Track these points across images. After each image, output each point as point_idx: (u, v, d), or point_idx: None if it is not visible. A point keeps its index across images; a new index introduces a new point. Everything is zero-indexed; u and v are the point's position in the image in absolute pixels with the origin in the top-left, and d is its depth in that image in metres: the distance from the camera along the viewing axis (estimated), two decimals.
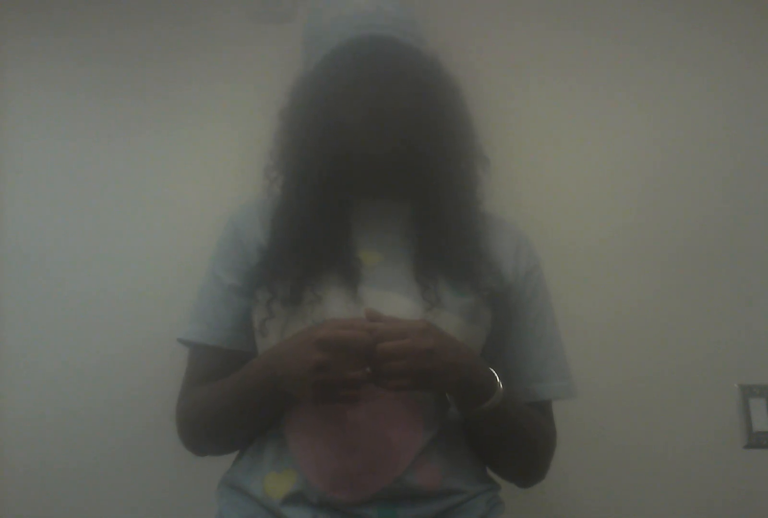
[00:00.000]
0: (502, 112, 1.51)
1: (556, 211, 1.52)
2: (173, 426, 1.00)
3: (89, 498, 1.45)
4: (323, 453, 0.88)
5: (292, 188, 1.01)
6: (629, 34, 1.59)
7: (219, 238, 1.06)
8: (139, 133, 1.61)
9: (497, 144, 1.11)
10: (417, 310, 0.92)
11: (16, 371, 1.51)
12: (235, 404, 0.92)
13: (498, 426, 0.91)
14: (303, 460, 0.89)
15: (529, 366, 1.01)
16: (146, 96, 1.62)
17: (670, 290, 1.48)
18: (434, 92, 1.00)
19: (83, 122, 1.62)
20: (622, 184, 1.54)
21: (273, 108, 1.05)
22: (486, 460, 0.99)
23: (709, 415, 1.43)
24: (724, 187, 1.53)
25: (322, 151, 0.97)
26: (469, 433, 0.96)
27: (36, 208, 1.58)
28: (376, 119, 0.95)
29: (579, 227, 1.51)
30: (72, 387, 1.49)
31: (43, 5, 1.66)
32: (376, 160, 0.98)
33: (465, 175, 1.02)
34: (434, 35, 1.05)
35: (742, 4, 1.59)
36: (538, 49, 1.59)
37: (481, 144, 1.05)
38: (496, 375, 0.89)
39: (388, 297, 0.93)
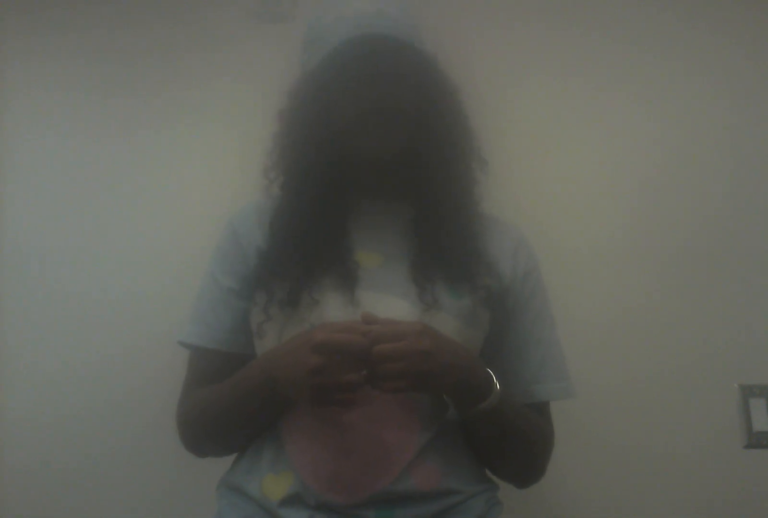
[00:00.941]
0: (501, 113, 1.51)
1: (555, 211, 1.52)
2: (173, 426, 1.01)
3: (89, 498, 1.45)
4: (320, 456, 0.88)
5: (291, 189, 1.01)
6: (628, 33, 1.59)
7: (217, 241, 1.06)
8: (139, 133, 1.61)
9: (496, 145, 1.11)
10: (414, 313, 0.92)
11: (16, 371, 1.51)
12: (233, 406, 0.93)
13: (495, 426, 0.91)
14: (300, 462, 0.89)
15: (527, 367, 1.01)
16: (146, 96, 1.62)
17: (670, 290, 1.48)
18: (434, 93, 1.00)
19: (83, 122, 1.62)
20: (621, 184, 1.54)
21: (273, 108, 1.05)
22: (484, 461, 0.99)
23: (709, 415, 1.43)
24: (724, 187, 1.53)
25: (321, 151, 0.97)
26: (467, 434, 0.95)
27: (36, 208, 1.58)
28: (375, 119, 0.95)
29: (578, 227, 1.51)
30: (72, 387, 1.49)
31: (43, 5, 1.66)
32: (375, 161, 0.98)
33: (463, 176, 1.02)
34: (434, 36, 1.05)
35: (742, 4, 1.58)
36: (537, 49, 1.59)
37: (480, 145, 1.05)
38: (493, 375, 0.89)
39: (385, 299, 0.93)
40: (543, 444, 1.00)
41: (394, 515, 0.87)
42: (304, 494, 0.88)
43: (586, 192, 1.54)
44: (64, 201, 1.59)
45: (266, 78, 1.20)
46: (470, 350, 0.93)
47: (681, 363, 1.45)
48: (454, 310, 0.94)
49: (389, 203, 1.02)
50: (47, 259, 1.55)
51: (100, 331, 1.51)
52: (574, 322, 1.38)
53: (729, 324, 1.47)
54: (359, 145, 0.96)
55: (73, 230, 1.57)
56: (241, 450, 1.00)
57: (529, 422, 0.96)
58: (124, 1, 1.66)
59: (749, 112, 1.56)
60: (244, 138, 1.27)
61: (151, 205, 1.57)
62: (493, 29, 1.60)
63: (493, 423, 0.90)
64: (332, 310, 0.92)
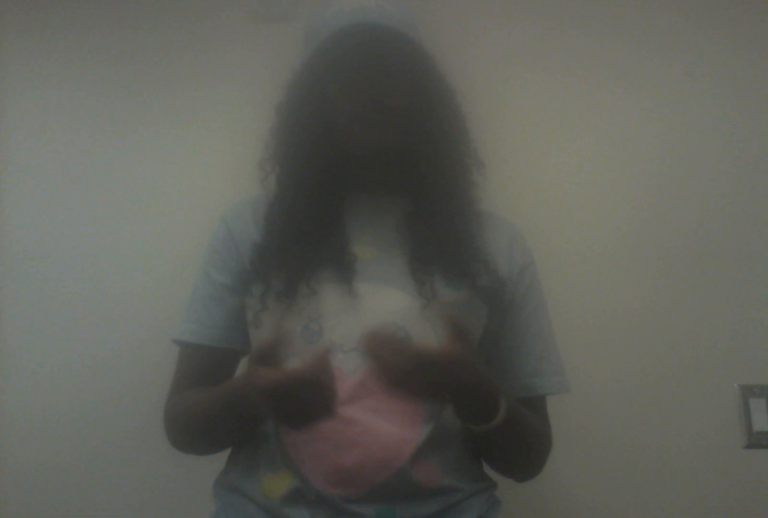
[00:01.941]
0: (499, 111, 1.51)
1: (554, 210, 1.52)
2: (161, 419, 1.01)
3: (86, 496, 1.45)
4: (319, 450, 0.88)
5: (287, 181, 1.01)
6: (628, 32, 1.59)
7: (211, 237, 1.06)
8: (138, 133, 1.60)
9: (495, 143, 1.11)
10: (413, 305, 0.92)
11: (15, 371, 1.51)
12: (215, 414, 0.91)
13: (499, 437, 0.88)
14: (299, 457, 0.89)
15: (526, 360, 1.01)
16: (146, 95, 1.62)
17: (669, 290, 1.48)
18: (430, 85, 1.00)
19: (81, 121, 1.62)
20: (620, 184, 1.53)
21: (271, 106, 1.05)
22: (484, 459, 0.99)
23: (709, 415, 1.43)
24: (723, 187, 1.53)
25: (316, 143, 0.97)
26: (471, 441, 0.95)
27: (34, 208, 1.58)
28: (369, 110, 0.94)
29: (577, 226, 1.51)
30: (71, 387, 1.49)
31: (43, 5, 1.67)
32: (369, 153, 0.98)
33: (459, 169, 1.02)
34: (433, 34, 1.05)
35: (742, 4, 1.58)
36: (536, 47, 1.59)
37: (476, 140, 1.05)
38: (500, 393, 0.85)
39: (383, 291, 0.93)
40: (543, 445, 1.00)
41: (395, 513, 0.87)
42: (303, 489, 0.87)
43: (585, 191, 1.53)
44: (61, 200, 1.58)
45: (266, 78, 1.20)
46: (490, 374, 0.86)
47: (681, 363, 1.45)
48: (451, 302, 0.93)
49: (385, 197, 1.02)
50: (45, 258, 1.55)
51: (97, 330, 1.51)
52: (574, 321, 1.39)
53: (729, 324, 1.46)
54: (353, 136, 0.96)
55: (71, 229, 1.57)
56: (233, 449, 0.99)
57: (532, 428, 0.95)
58: (123, 2, 1.66)
59: (749, 112, 1.56)
60: (243, 138, 1.27)
61: (148, 204, 1.57)
62: (493, 28, 1.60)
63: (497, 435, 0.87)
64: (330, 302, 0.92)
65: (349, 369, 0.89)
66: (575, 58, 1.58)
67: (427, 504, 0.89)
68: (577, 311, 1.43)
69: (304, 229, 0.96)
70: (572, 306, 1.41)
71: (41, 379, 1.50)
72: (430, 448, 0.90)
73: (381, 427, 0.87)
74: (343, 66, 0.95)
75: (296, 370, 0.73)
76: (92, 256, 1.55)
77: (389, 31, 0.95)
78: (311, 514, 0.87)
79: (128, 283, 1.52)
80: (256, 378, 0.74)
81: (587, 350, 1.41)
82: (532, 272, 1.05)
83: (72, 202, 1.58)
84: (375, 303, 0.91)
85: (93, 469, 1.46)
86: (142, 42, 1.64)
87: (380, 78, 0.95)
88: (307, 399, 0.75)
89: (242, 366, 1.03)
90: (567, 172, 1.54)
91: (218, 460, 1.01)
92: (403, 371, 0.74)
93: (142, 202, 1.57)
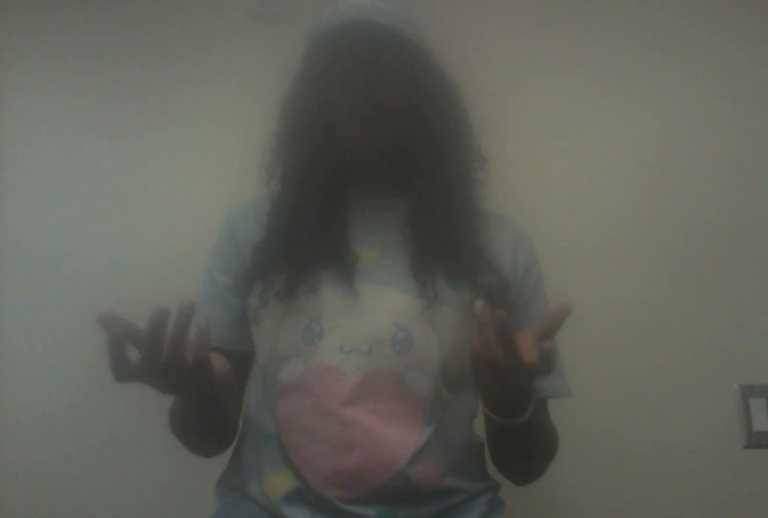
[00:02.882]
0: (502, 110, 1.51)
1: (555, 209, 1.52)
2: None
3: (87, 496, 1.45)
4: (320, 451, 0.88)
5: (290, 182, 1.00)
6: (629, 31, 1.59)
7: (215, 239, 1.06)
8: (139, 133, 1.60)
9: (496, 141, 1.10)
10: (414, 306, 0.92)
11: (15, 371, 1.51)
12: (181, 409, 0.93)
13: (520, 435, 0.88)
14: (299, 458, 0.89)
15: None
16: (146, 95, 1.62)
17: (669, 290, 1.48)
18: (427, 82, 0.99)
19: (82, 121, 1.62)
20: (621, 183, 1.54)
21: (272, 107, 1.05)
22: (493, 456, 0.98)
23: (709, 415, 1.43)
24: (724, 187, 1.53)
25: (316, 143, 0.97)
26: (487, 438, 0.94)
27: (35, 208, 1.58)
28: (366, 107, 0.94)
29: (578, 226, 1.51)
30: (71, 387, 1.49)
31: (43, 5, 1.67)
32: (369, 151, 0.98)
33: (461, 168, 1.02)
34: (433, 31, 1.05)
35: (742, 4, 1.59)
36: (538, 46, 1.59)
37: (477, 138, 1.04)
38: (532, 389, 0.85)
39: (385, 292, 0.93)
40: (552, 448, 1.00)
41: (396, 514, 0.87)
42: (303, 490, 0.87)
43: (586, 190, 1.53)
44: (63, 200, 1.58)
45: (266, 78, 1.20)
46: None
47: (681, 363, 1.45)
48: (455, 304, 0.93)
49: (388, 197, 1.02)
50: (46, 259, 1.55)
51: (97, 330, 1.50)
52: (574, 321, 1.37)
53: (729, 324, 1.47)
54: (352, 135, 0.96)
55: (73, 229, 1.57)
56: (235, 449, 1.00)
57: (549, 429, 0.95)
58: (123, 2, 1.66)
59: (749, 112, 1.56)
60: (244, 138, 1.26)
61: (151, 204, 1.57)
62: (495, 26, 1.60)
63: (519, 431, 0.86)
64: (331, 301, 0.92)
65: (350, 370, 0.89)
66: (576, 59, 1.58)
67: (428, 505, 0.89)
68: (576, 311, 1.42)
69: (306, 228, 0.96)
70: (572, 305, 1.41)
71: (41, 379, 1.50)
72: (431, 450, 0.89)
73: (381, 429, 0.87)
74: (338, 64, 0.95)
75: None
76: (93, 256, 1.55)
77: (384, 29, 0.94)
78: (311, 514, 0.87)
79: (129, 283, 1.52)
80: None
81: (587, 350, 1.41)
82: (536, 274, 1.04)
83: (73, 202, 1.58)
84: (376, 305, 0.90)
85: (93, 469, 1.46)
86: (143, 42, 1.64)
87: (375, 75, 0.95)
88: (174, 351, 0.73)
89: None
90: (569, 172, 1.54)
91: (220, 460, 1.01)
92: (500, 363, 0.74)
93: (143, 201, 1.57)
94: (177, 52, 1.63)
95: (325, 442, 0.87)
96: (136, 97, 1.62)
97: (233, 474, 0.97)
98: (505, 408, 0.83)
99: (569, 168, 1.54)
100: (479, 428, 0.95)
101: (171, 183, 1.58)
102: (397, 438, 0.88)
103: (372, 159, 1.00)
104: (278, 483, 0.89)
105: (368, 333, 0.90)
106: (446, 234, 0.97)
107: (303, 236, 0.96)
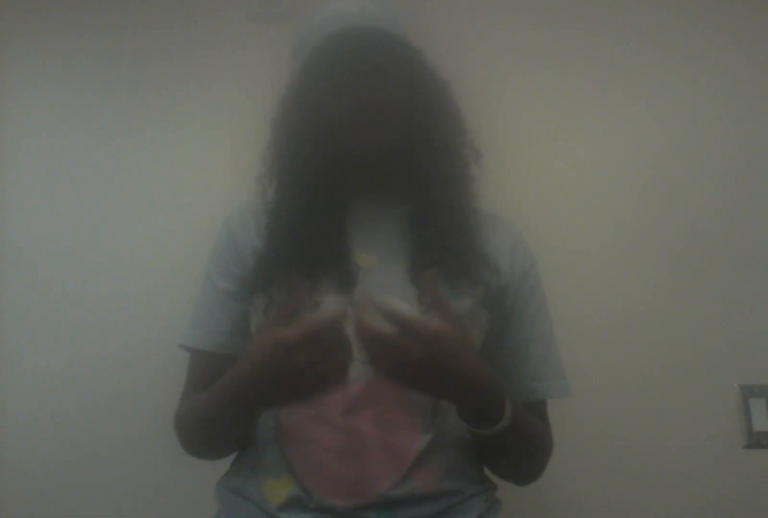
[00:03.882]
0: (498, 110, 1.51)
1: (553, 209, 1.52)
2: (171, 426, 1.00)
3: (87, 497, 1.45)
4: (321, 460, 0.88)
5: (286, 191, 1.00)
6: (628, 30, 1.59)
7: (214, 242, 1.06)
8: (139, 133, 1.60)
9: (494, 142, 1.10)
10: (413, 312, 0.91)
11: (15, 371, 1.51)
12: (217, 412, 0.88)
13: (505, 443, 0.88)
14: (301, 466, 0.89)
15: (528, 364, 1.01)
16: (145, 96, 1.62)
17: (669, 290, 1.48)
18: (423, 86, 0.99)
19: (81, 122, 1.61)
20: (620, 182, 1.53)
21: (270, 110, 1.05)
22: (486, 464, 0.99)
23: (709, 415, 1.43)
24: (724, 187, 1.53)
25: (313, 151, 0.96)
26: (475, 445, 0.94)
27: (35, 209, 1.58)
28: (364, 112, 0.94)
29: (577, 226, 1.51)
30: (71, 388, 1.48)
31: (44, 5, 1.66)
32: (366, 157, 0.97)
33: (458, 172, 1.02)
34: (424, 31, 1.05)
35: (742, 4, 1.58)
36: (535, 46, 1.59)
37: (473, 140, 1.04)
38: (505, 396, 0.84)
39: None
40: (545, 449, 1.00)
41: (395, 515, 0.87)
42: (304, 498, 0.88)
43: (584, 190, 1.53)
44: (62, 201, 1.58)
45: (266, 79, 1.20)
46: (493, 373, 0.86)
47: (681, 363, 1.45)
48: (453, 311, 0.93)
49: (385, 204, 1.02)
50: (46, 259, 1.55)
51: (98, 331, 1.51)
52: (573, 322, 1.38)
53: (729, 324, 1.47)
54: (351, 140, 0.95)
55: (72, 231, 1.56)
56: (238, 452, 0.99)
57: (536, 433, 0.95)
58: (123, 2, 1.66)
59: (749, 112, 1.56)
60: (243, 139, 1.27)
61: (149, 206, 1.56)
62: (492, 25, 1.60)
63: (501, 440, 0.86)
64: (332, 310, 0.91)
65: (351, 379, 0.88)
66: (575, 57, 1.58)
67: (427, 507, 0.89)
68: (576, 311, 1.43)
69: (304, 238, 0.95)
70: (571, 306, 1.41)
71: (42, 379, 1.50)
72: (430, 456, 0.90)
73: (382, 438, 0.87)
74: (333, 73, 0.95)
75: (317, 318, 0.74)
76: (93, 257, 1.55)
77: (373, 32, 0.95)
78: None
79: (130, 284, 1.52)
80: (279, 334, 0.73)
81: (587, 350, 1.41)
82: (534, 276, 1.04)
83: (72, 202, 1.58)
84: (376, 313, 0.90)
85: (94, 470, 1.46)
86: (142, 42, 1.64)
87: (370, 80, 0.95)
88: (323, 358, 0.73)
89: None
90: (566, 172, 1.54)
91: (221, 462, 1.01)
92: (388, 340, 0.74)
93: (143, 202, 1.57)
94: (177, 52, 1.63)
95: (326, 451, 0.88)
96: (136, 97, 1.62)
97: (234, 476, 0.97)
98: (479, 419, 0.83)
99: (569, 168, 1.54)
100: None
101: (171, 183, 1.58)
102: (398, 448, 0.88)
103: (371, 164, 0.99)
104: (279, 489, 0.89)
105: None
106: (444, 238, 0.97)
107: (303, 246, 0.95)
